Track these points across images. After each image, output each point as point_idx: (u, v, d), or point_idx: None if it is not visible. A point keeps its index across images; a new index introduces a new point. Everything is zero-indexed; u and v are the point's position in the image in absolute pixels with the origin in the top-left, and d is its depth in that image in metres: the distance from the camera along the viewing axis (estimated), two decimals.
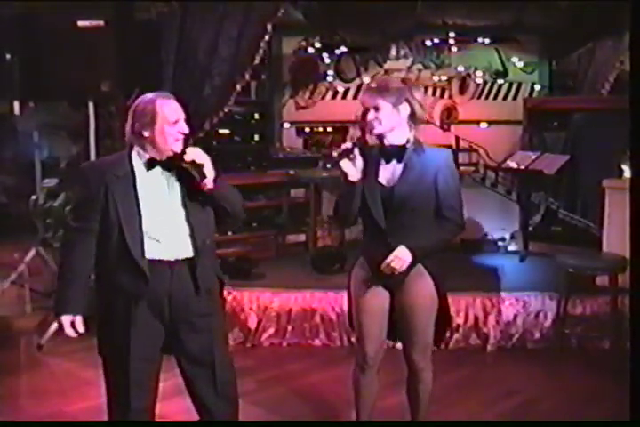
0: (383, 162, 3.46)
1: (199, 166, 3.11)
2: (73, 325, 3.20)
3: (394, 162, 3.43)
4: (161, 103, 3.15)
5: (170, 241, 3.19)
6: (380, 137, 3.44)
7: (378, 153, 3.46)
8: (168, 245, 3.19)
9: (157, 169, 3.21)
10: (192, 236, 3.21)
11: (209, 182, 3.12)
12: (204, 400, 3.38)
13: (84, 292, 3.23)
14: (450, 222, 3.45)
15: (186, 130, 3.18)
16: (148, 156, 3.19)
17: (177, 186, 3.22)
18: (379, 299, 3.57)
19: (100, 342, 3.31)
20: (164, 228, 3.19)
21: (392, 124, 3.40)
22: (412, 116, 3.43)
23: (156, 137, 3.15)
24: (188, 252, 3.22)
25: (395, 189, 3.39)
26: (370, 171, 3.41)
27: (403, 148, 3.43)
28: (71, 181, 3.54)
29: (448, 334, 5.53)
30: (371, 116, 3.38)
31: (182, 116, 3.20)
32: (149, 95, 3.21)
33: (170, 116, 3.14)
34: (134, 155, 3.22)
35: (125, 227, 3.14)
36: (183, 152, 3.13)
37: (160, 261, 3.18)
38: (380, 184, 3.43)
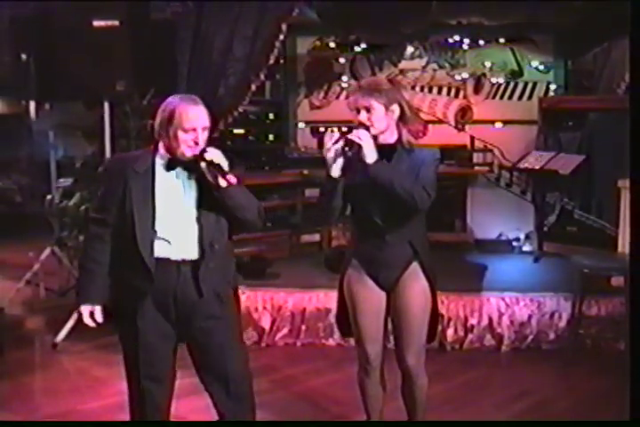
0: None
1: (216, 166, 3.10)
2: (92, 315, 3.24)
3: (383, 161, 3.41)
4: (182, 108, 3.13)
5: (179, 241, 3.20)
6: (372, 137, 3.40)
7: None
8: (177, 246, 3.20)
9: (177, 169, 3.22)
10: (199, 238, 3.21)
11: (222, 181, 3.10)
12: (215, 401, 3.40)
13: (105, 282, 3.26)
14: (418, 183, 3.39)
15: (200, 140, 3.14)
16: (169, 156, 3.21)
17: (194, 187, 3.22)
18: (375, 299, 3.57)
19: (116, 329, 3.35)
20: (175, 228, 3.20)
21: (384, 124, 3.41)
22: (402, 117, 3.45)
23: (170, 139, 3.15)
24: (194, 254, 3.22)
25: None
26: (360, 170, 3.37)
27: (393, 147, 3.44)
28: (97, 175, 3.58)
29: (463, 334, 5.56)
30: (363, 116, 3.38)
31: (202, 124, 3.15)
32: (177, 97, 3.21)
33: (186, 123, 3.11)
34: (158, 153, 3.24)
35: (137, 223, 3.16)
36: (204, 150, 3.13)
37: (168, 260, 3.20)
38: (368, 184, 3.40)
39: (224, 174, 3.09)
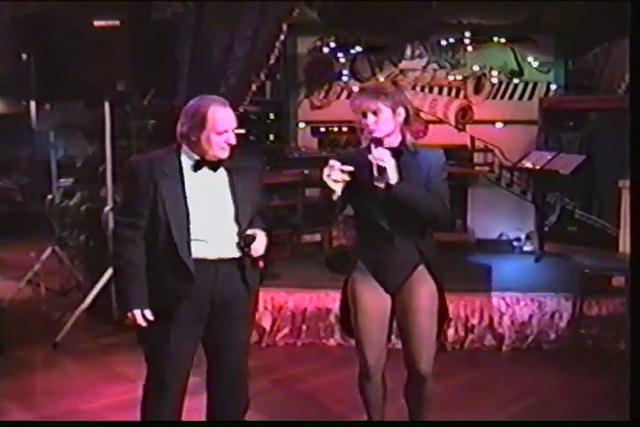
0: None
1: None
2: (143, 316, 3.24)
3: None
4: (214, 110, 3.16)
5: (217, 241, 3.22)
6: (378, 140, 3.40)
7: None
8: (215, 245, 3.22)
9: (204, 169, 3.24)
10: (239, 236, 3.24)
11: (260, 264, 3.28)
12: (216, 396, 3.46)
13: (145, 284, 3.24)
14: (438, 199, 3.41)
15: (232, 140, 3.19)
16: (196, 157, 3.22)
17: (226, 185, 3.26)
18: (380, 303, 3.54)
19: (140, 335, 3.35)
20: (212, 227, 3.21)
21: (390, 127, 3.39)
22: (407, 119, 3.43)
23: (201, 142, 3.17)
24: (235, 252, 3.25)
25: (396, 190, 3.32)
26: (365, 174, 3.34)
27: (399, 151, 3.41)
28: (120, 176, 3.59)
29: (463, 334, 5.56)
30: (370, 120, 3.36)
31: (232, 125, 3.20)
32: (206, 99, 3.22)
33: (219, 125, 3.15)
34: (183, 153, 3.25)
35: (173, 226, 3.16)
36: (250, 243, 3.21)
37: (205, 260, 3.20)
38: (379, 187, 3.37)
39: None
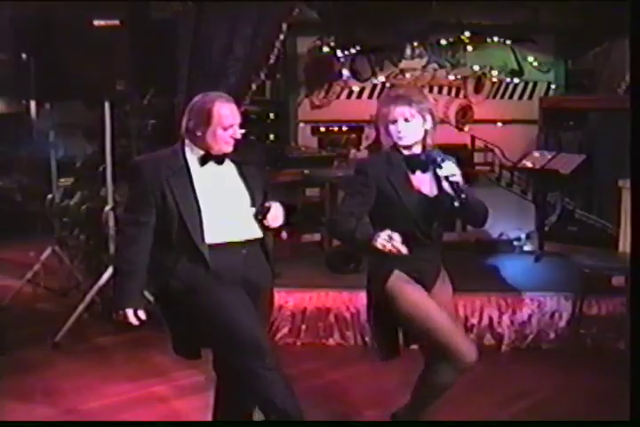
0: (409, 171, 3.41)
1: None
2: (135, 314, 3.28)
3: (418, 172, 3.41)
4: (219, 106, 3.24)
5: (240, 224, 3.32)
6: (405, 147, 3.40)
7: (405, 163, 3.41)
8: (239, 228, 3.32)
9: (211, 163, 3.31)
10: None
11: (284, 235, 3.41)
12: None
13: (143, 284, 3.30)
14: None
15: (238, 135, 3.30)
16: (201, 152, 3.29)
17: (236, 175, 3.36)
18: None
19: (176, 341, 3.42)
20: (231, 212, 3.30)
21: (420, 135, 3.39)
22: (434, 126, 3.44)
23: (207, 138, 3.25)
24: (259, 232, 3.36)
25: (441, 199, 3.34)
26: (401, 180, 3.36)
27: (428, 157, 3.38)
28: (125, 176, 3.64)
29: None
30: (402, 127, 3.34)
31: (238, 120, 3.30)
32: (211, 95, 3.30)
33: (225, 120, 3.24)
34: (187, 149, 3.31)
35: (187, 220, 3.22)
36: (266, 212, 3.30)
37: (231, 243, 3.29)
38: (422, 195, 3.38)
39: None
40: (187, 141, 3.31)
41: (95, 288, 5.68)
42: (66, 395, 4.71)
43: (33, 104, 6.29)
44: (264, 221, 3.31)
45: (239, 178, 3.36)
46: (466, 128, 7.84)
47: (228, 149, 3.29)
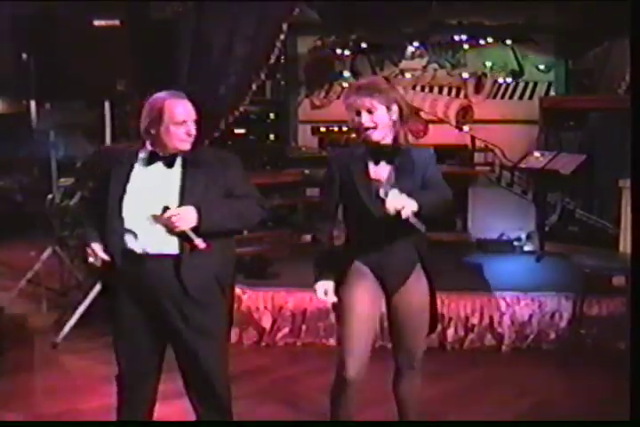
0: (372, 163, 3.38)
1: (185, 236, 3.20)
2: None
3: (382, 163, 3.37)
4: (170, 103, 3.22)
5: (149, 235, 3.22)
6: (371, 137, 3.35)
7: (367, 153, 3.39)
8: (146, 239, 3.23)
9: (159, 164, 3.27)
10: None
11: (200, 243, 3.18)
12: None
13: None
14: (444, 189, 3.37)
15: (193, 131, 3.25)
16: (151, 150, 3.28)
17: (175, 182, 3.25)
18: (375, 306, 3.48)
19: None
20: (147, 222, 3.21)
21: (386, 125, 3.34)
22: (401, 116, 3.37)
23: (161, 135, 3.23)
24: (174, 248, 3.23)
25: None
26: (359, 171, 3.34)
27: (394, 148, 3.36)
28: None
29: (463, 334, 5.56)
30: (365, 118, 3.30)
31: (192, 117, 3.26)
32: (162, 93, 3.28)
33: (177, 116, 3.20)
34: (143, 149, 3.32)
35: (108, 214, 3.24)
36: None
37: (133, 253, 3.25)
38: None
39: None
40: (146, 142, 3.30)
41: (95, 288, 5.68)
42: (66, 395, 4.71)
43: (33, 104, 6.27)
44: (168, 224, 3.15)
45: (178, 186, 3.23)
46: (466, 128, 7.84)
47: (184, 146, 3.24)
